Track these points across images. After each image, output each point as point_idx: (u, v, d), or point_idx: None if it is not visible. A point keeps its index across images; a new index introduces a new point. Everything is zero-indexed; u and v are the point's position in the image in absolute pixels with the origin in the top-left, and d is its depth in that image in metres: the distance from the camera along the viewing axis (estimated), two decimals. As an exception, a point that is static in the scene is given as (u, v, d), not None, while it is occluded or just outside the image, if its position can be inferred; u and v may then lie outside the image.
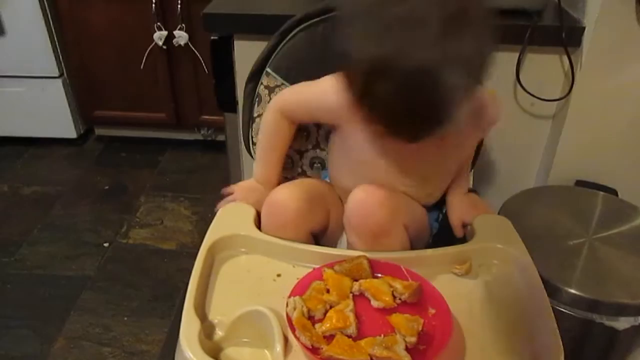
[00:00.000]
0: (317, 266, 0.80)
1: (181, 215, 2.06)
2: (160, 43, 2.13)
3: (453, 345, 0.69)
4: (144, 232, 1.97)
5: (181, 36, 2.12)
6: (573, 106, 1.24)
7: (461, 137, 0.88)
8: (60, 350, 1.50)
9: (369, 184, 0.83)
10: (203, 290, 0.77)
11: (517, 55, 1.22)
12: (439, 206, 1.01)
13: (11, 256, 1.84)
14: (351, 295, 0.75)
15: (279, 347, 0.67)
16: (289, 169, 1.07)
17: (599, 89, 1.22)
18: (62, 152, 2.44)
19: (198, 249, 0.82)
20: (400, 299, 0.76)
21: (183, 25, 2.10)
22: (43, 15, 2.13)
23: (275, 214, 0.87)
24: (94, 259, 1.83)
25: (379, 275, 0.80)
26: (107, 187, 2.22)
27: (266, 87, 1.03)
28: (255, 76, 1.05)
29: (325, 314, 0.72)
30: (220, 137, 2.41)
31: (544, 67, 1.25)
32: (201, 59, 2.17)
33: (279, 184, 0.97)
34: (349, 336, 0.69)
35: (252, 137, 1.07)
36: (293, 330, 0.68)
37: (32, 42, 2.17)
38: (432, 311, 0.74)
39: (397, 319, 0.71)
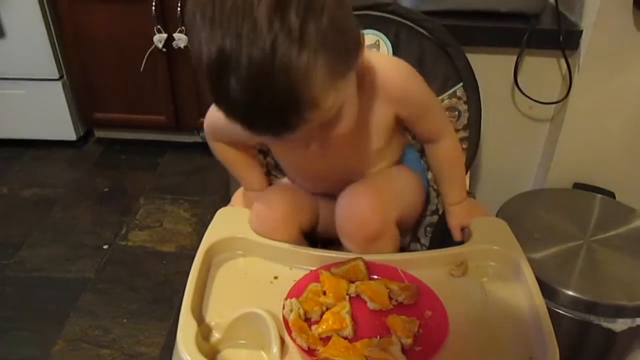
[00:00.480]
0: (314, 268, 0.80)
1: (180, 218, 2.06)
2: (160, 45, 2.14)
3: (449, 347, 0.69)
4: (143, 234, 1.97)
5: (181, 39, 2.12)
6: (571, 109, 1.25)
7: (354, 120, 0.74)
8: (59, 353, 1.50)
9: (355, 186, 0.85)
10: (200, 292, 0.77)
11: (514, 58, 1.22)
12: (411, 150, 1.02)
13: (10, 258, 1.84)
14: (347, 297, 0.76)
15: (275, 349, 0.67)
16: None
17: (596, 92, 1.22)
18: (61, 155, 2.44)
19: (197, 251, 0.82)
20: (396, 300, 0.76)
21: (183, 27, 2.11)
22: (43, 17, 2.14)
23: (263, 220, 0.87)
24: (94, 261, 1.83)
25: (376, 277, 0.80)
26: (106, 190, 2.23)
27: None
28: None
29: (321, 315, 0.73)
30: (220, 140, 2.41)
31: (542, 70, 1.26)
32: (201, 61, 2.17)
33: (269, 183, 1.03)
34: (345, 338, 0.70)
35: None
36: (289, 332, 0.69)
37: (32, 44, 2.18)
38: (428, 313, 0.74)
39: (393, 320, 0.71)
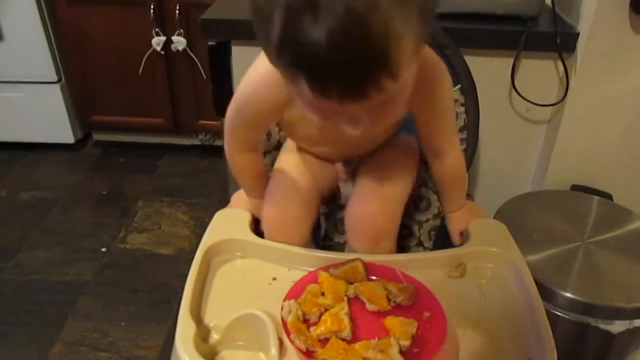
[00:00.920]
0: (313, 269, 0.80)
1: (179, 220, 2.06)
2: (159, 48, 2.14)
3: (447, 349, 0.70)
4: (141, 237, 1.97)
5: (179, 42, 2.12)
6: (568, 111, 1.25)
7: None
8: (58, 356, 1.50)
9: (363, 189, 0.89)
10: (199, 294, 0.77)
11: (512, 60, 1.22)
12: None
13: (8, 261, 1.83)
14: (346, 298, 0.76)
15: (274, 351, 0.67)
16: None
17: (593, 94, 1.23)
18: (60, 157, 2.44)
19: (196, 253, 0.82)
20: (395, 301, 0.76)
21: (181, 30, 2.11)
22: (41, 20, 2.14)
23: (277, 230, 0.89)
24: (92, 264, 1.83)
25: (374, 278, 0.80)
26: (104, 192, 2.23)
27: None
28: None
29: (320, 317, 0.73)
30: (218, 142, 2.41)
31: (539, 73, 1.26)
32: (199, 64, 2.18)
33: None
34: (344, 339, 0.70)
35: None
36: (288, 333, 0.69)
37: (31, 47, 2.18)
38: (426, 314, 0.74)
39: (391, 322, 0.72)
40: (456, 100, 1.00)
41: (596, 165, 1.32)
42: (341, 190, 1.02)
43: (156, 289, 1.73)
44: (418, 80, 0.66)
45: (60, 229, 2.00)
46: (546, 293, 0.99)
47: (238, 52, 1.26)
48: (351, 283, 0.78)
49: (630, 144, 1.29)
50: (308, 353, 0.67)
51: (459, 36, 1.03)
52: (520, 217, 1.18)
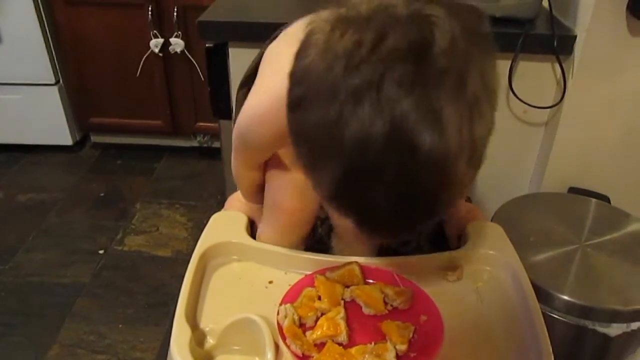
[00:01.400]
0: (309, 273, 0.80)
1: (177, 222, 2.06)
2: (157, 50, 2.14)
3: (444, 352, 0.69)
4: (139, 239, 1.97)
5: (177, 43, 2.12)
6: (565, 113, 1.25)
7: None
8: (55, 358, 1.50)
9: None
10: (194, 298, 0.77)
11: (509, 63, 1.22)
12: None
13: (6, 263, 1.83)
14: (342, 302, 0.75)
15: (269, 355, 0.67)
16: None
17: (590, 96, 1.23)
18: (57, 159, 2.44)
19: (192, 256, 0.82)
20: (391, 305, 0.76)
21: (179, 32, 2.11)
22: (39, 22, 2.14)
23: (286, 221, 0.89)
24: (89, 266, 1.83)
25: (371, 281, 0.80)
26: (102, 194, 2.23)
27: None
28: (247, 82, 1.05)
29: (316, 321, 0.72)
30: (217, 144, 2.41)
31: (536, 75, 1.26)
32: (197, 66, 2.18)
33: None
34: (340, 344, 0.69)
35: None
36: (284, 338, 0.68)
37: (29, 49, 2.18)
38: (423, 317, 0.74)
39: (388, 326, 0.71)
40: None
41: (594, 167, 1.32)
42: None
43: (154, 291, 1.73)
44: None
45: (58, 231, 2.00)
46: (543, 296, 0.99)
47: (235, 55, 1.26)
48: (348, 287, 0.78)
49: (627, 146, 1.29)
50: (304, 358, 0.67)
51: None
52: (518, 219, 1.18)
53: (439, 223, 1.03)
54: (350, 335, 0.71)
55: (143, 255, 1.89)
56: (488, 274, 0.85)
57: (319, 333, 0.70)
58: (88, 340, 1.55)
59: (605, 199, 1.29)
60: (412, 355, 0.69)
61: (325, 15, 0.51)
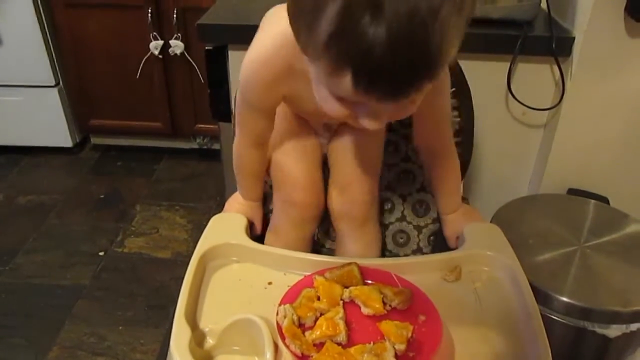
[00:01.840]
0: (308, 273, 0.81)
1: (176, 224, 2.06)
2: (156, 52, 2.15)
3: (442, 352, 0.70)
4: (139, 240, 1.97)
5: (177, 45, 2.13)
6: (564, 115, 1.26)
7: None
8: (55, 360, 1.50)
9: (346, 174, 0.96)
10: (194, 298, 0.77)
11: (508, 64, 1.23)
12: None
13: (6, 265, 1.83)
14: (341, 302, 0.76)
15: (269, 355, 0.67)
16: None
17: (589, 98, 1.23)
18: (57, 161, 2.45)
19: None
20: (390, 305, 0.76)
21: (179, 34, 2.12)
22: (39, 24, 2.15)
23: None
24: (89, 268, 1.83)
25: (370, 282, 0.80)
26: (102, 196, 2.23)
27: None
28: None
29: (315, 321, 0.73)
30: (216, 146, 2.42)
31: (535, 77, 1.27)
32: (197, 68, 2.19)
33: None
34: (339, 344, 0.69)
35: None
36: (283, 338, 0.69)
37: (29, 51, 2.19)
38: (422, 318, 0.74)
39: (386, 326, 0.71)
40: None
41: (593, 169, 1.32)
42: None
43: (154, 292, 1.73)
44: None
45: (58, 233, 2.00)
46: (542, 297, 0.99)
47: (235, 57, 1.27)
48: (346, 287, 0.78)
49: (626, 147, 1.29)
50: (303, 358, 0.67)
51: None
52: (517, 221, 1.18)
53: (438, 223, 1.03)
54: (349, 335, 0.71)
55: (143, 257, 1.89)
56: (486, 275, 0.85)
57: (318, 333, 0.70)
58: (88, 342, 1.56)
59: (604, 200, 1.29)
60: (410, 355, 0.69)
61: None
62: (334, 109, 0.64)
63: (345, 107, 0.63)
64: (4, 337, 1.57)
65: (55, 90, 2.29)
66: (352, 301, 0.77)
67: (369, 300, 0.76)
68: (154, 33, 2.12)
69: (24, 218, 2.08)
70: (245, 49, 1.23)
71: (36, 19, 2.12)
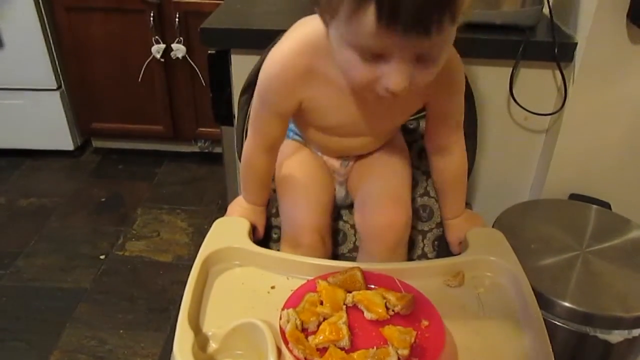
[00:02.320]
0: (311, 278, 0.81)
1: (178, 228, 2.06)
2: (158, 56, 2.15)
3: (445, 357, 0.70)
4: (140, 244, 1.97)
5: (179, 49, 2.13)
6: (566, 120, 1.26)
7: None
8: (55, 363, 1.50)
9: (376, 195, 0.93)
10: (197, 302, 0.77)
11: (510, 70, 1.23)
12: None
13: (7, 268, 1.83)
14: (344, 307, 0.76)
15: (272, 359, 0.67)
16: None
17: (591, 103, 1.23)
18: (59, 164, 2.45)
19: (194, 261, 0.83)
20: (393, 310, 0.76)
21: (181, 38, 2.12)
22: (41, 28, 2.15)
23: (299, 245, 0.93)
24: (90, 271, 1.83)
25: (373, 286, 0.80)
26: (103, 199, 2.23)
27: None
28: (249, 88, 1.06)
29: (318, 326, 0.73)
30: (218, 149, 2.42)
31: (537, 82, 1.27)
32: (199, 72, 2.19)
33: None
34: (342, 349, 0.70)
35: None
36: (286, 342, 0.69)
37: (30, 54, 2.19)
38: (425, 323, 0.74)
39: (389, 331, 0.72)
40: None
41: (595, 174, 1.32)
42: (336, 194, 1.03)
43: (155, 296, 1.73)
44: (443, 72, 0.71)
45: (59, 236, 2.00)
46: (545, 302, 0.99)
47: (237, 61, 1.27)
48: (350, 292, 0.78)
49: (628, 152, 1.29)
50: (306, 362, 0.67)
51: (457, 45, 1.03)
52: (519, 226, 1.18)
53: (441, 226, 1.03)
54: (352, 340, 0.71)
55: (144, 260, 1.89)
56: (489, 280, 0.85)
57: (321, 338, 0.70)
58: (89, 346, 1.55)
59: (606, 205, 1.29)
60: (413, 360, 0.69)
61: None
62: (358, 72, 0.67)
63: (369, 68, 0.66)
64: (5, 341, 1.57)
65: (56, 94, 2.29)
66: (355, 306, 0.77)
67: (372, 305, 0.76)
68: (156, 37, 2.12)
69: (25, 221, 2.08)
70: (248, 53, 1.24)
71: (38, 22, 2.13)
